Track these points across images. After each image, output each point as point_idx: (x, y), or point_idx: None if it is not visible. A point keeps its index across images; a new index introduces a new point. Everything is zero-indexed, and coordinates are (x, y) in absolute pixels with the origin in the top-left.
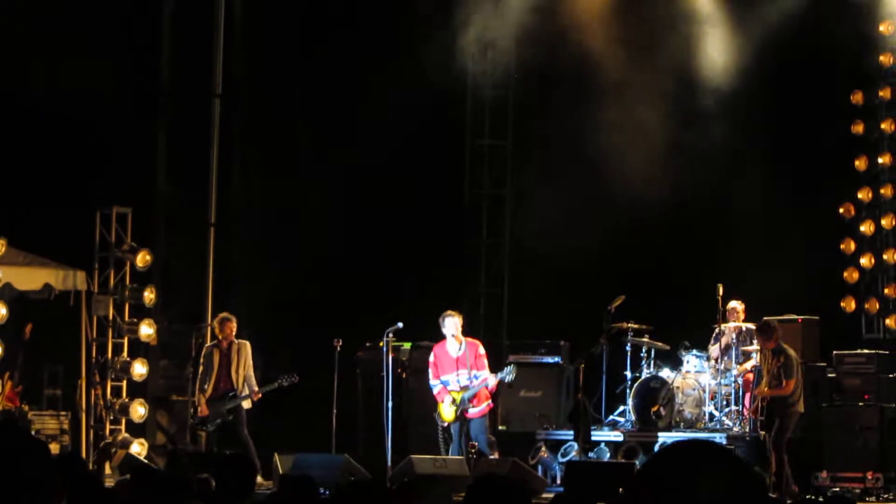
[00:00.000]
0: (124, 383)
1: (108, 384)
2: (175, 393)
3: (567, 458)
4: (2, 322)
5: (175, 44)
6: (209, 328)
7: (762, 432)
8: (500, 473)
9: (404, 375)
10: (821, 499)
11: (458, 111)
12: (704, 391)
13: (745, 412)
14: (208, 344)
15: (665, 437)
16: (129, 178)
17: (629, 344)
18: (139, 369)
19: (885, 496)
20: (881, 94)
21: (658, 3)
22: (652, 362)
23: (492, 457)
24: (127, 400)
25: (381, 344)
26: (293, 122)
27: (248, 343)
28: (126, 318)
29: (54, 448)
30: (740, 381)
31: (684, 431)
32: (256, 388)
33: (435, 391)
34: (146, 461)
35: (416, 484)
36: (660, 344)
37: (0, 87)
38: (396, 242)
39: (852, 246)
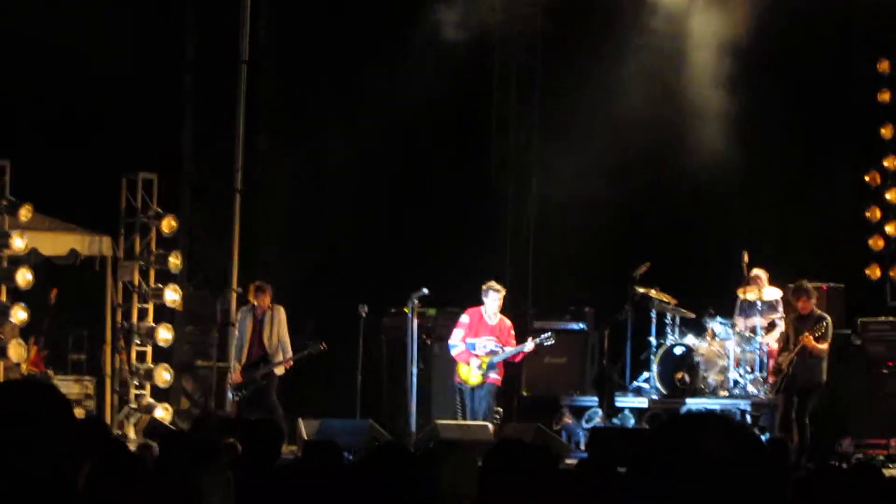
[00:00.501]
0: (149, 349)
1: (132, 349)
2: (200, 358)
3: (591, 425)
4: (27, 287)
5: (202, 10)
6: (234, 294)
7: (777, 395)
8: (525, 439)
9: (429, 342)
10: (845, 465)
11: (485, 76)
12: (729, 358)
13: (769, 377)
14: (242, 309)
15: (690, 404)
16: (156, 144)
17: (654, 311)
18: (164, 335)
19: None
20: None
21: None
22: (677, 329)
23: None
24: (152, 365)
25: (405, 310)
26: (320, 89)
27: (282, 308)
28: (151, 284)
29: (79, 413)
30: (765, 348)
31: (709, 398)
32: (291, 354)
33: (456, 352)
34: (171, 426)
35: (441, 449)
36: (685, 311)
37: (24, 52)
38: (422, 210)
39: (878, 214)
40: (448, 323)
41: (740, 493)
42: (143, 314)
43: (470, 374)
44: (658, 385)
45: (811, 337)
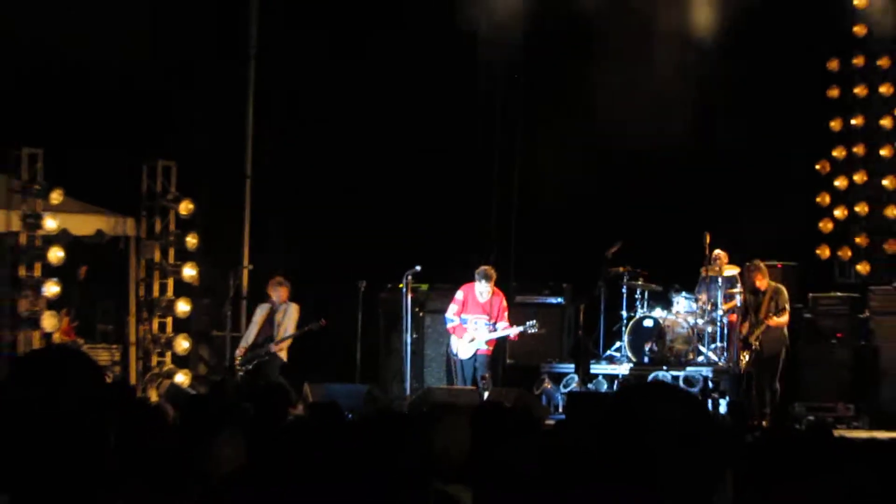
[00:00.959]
0: (169, 320)
1: (154, 320)
2: (215, 329)
3: (568, 389)
4: (59, 264)
5: (214, 5)
6: (245, 270)
7: (747, 367)
8: (507, 402)
9: (421, 314)
10: (798, 426)
11: (474, 73)
12: (693, 330)
13: (737, 346)
14: (261, 304)
15: (656, 372)
16: (174, 134)
17: (625, 286)
18: (182, 307)
19: (855, 424)
20: (854, 61)
21: None
22: (646, 303)
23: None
24: (172, 335)
25: (400, 286)
26: (322, 83)
27: (297, 306)
28: (171, 261)
29: (107, 378)
30: (725, 320)
31: (674, 366)
32: (288, 338)
33: (451, 325)
34: (190, 390)
35: (433, 411)
36: (653, 286)
37: (51, 50)
38: (417, 195)
39: (827, 199)
40: (440, 297)
41: (689, 449)
42: (163, 289)
43: (461, 347)
44: (629, 354)
45: (773, 316)
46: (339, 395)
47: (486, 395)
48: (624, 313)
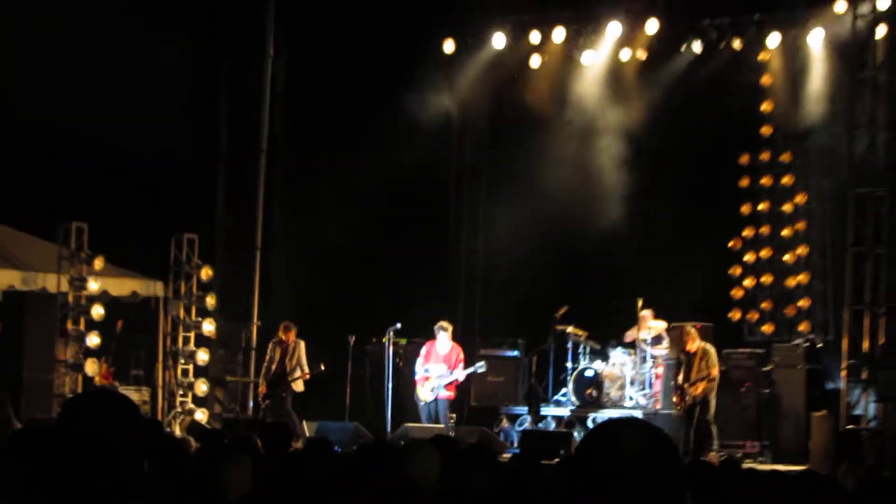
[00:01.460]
0: (191, 367)
1: (178, 367)
2: (229, 374)
3: (522, 428)
4: (100, 319)
5: (231, 102)
6: (255, 326)
7: (679, 411)
8: (470, 438)
9: (401, 364)
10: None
11: (446, 158)
12: (626, 378)
13: (676, 398)
14: (273, 341)
15: (595, 415)
16: (197, 212)
17: (570, 342)
18: (202, 356)
19: (760, 458)
20: (762, 156)
21: (593, 62)
22: (588, 356)
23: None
24: (193, 379)
25: (384, 340)
26: (319, 171)
27: (303, 342)
28: (193, 318)
29: None
30: (653, 371)
31: (610, 409)
32: (307, 371)
33: (417, 376)
34: (207, 426)
35: (411, 445)
36: (593, 342)
37: (98, 137)
38: (397, 261)
39: (738, 271)
40: (416, 350)
41: (652, 478)
42: (186, 340)
43: (422, 393)
44: (573, 398)
45: (700, 386)
46: (331, 431)
47: (451, 433)
48: (569, 364)
